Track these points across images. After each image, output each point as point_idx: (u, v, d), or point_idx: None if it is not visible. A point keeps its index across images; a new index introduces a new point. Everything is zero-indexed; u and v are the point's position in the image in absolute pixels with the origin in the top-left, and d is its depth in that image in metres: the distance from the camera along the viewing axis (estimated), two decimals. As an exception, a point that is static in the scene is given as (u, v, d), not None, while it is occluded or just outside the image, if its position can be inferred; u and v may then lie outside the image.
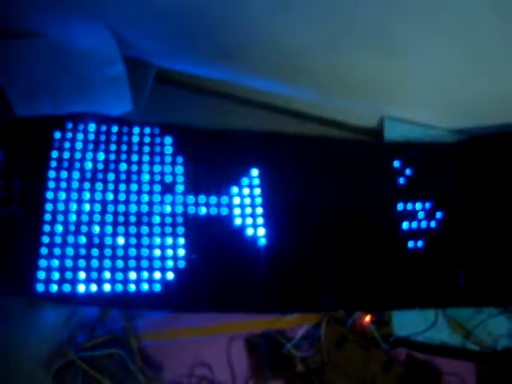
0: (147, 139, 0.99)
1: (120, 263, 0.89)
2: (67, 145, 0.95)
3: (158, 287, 0.89)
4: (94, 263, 0.88)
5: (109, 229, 0.91)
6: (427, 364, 0.98)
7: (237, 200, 0.97)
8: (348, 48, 0.94)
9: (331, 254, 0.96)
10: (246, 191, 0.98)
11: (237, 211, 0.96)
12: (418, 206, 1.02)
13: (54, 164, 0.93)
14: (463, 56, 0.91)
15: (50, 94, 0.99)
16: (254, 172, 1.00)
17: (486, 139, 1.07)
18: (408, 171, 1.04)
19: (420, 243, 0.99)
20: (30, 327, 0.91)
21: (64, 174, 0.93)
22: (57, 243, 0.88)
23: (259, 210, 0.97)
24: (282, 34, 0.93)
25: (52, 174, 0.93)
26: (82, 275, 0.87)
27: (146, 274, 0.89)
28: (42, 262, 0.87)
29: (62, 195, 0.92)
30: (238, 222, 0.96)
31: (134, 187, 0.95)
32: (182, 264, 0.91)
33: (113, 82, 1.01)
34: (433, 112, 1.10)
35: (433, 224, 1.01)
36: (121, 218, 0.92)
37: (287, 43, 0.95)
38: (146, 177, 0.96)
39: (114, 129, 0.98)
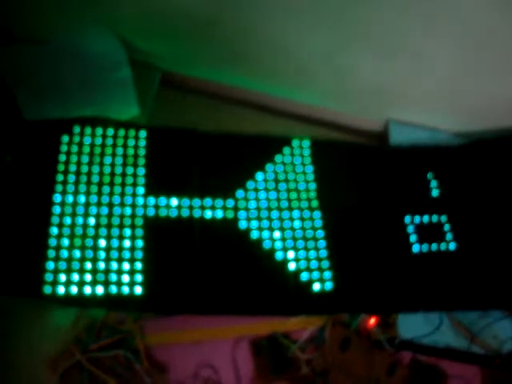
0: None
1: (127, 265, 0.90)
2: (75, 148, 0.96)
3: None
4: (101, 265, 0.89)
5: (115, 231, 0.92)
6: (432, 367, 0.98)
7: (243, 203, 0.97)
8: (352, 51, 0.94)
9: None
10: (252, 195, 0.98)
11: (242, 214, 0.96)
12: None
13: (61, 167, 0.94)
14: (469, 58, 0.91)
15: (58, 99, 1.01)
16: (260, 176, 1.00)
17: (492, 142, 1.07)
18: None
19: (425, 246, 0.99)
20: (36, 328, 0.92)
21: (71, 178, 0.94)
22: (64, 246, 0.89)
23: (264, 213, 0.97)
24: (290, 40, 0.93)
25: (59, 177, 0.94)
26: (89, 277, 0.88)
27: (152, 277, 0.90)
28: (49, 265, 0.87)
29: (69, 198, 0.92)
30: (242, 225, 0.96)
31: (140, 190, 0.95)
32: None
33: (119, 86, 1.02)
34: (438, 115, 1.10)
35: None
36: (127, 221, 0.93)
37: (293, 48, 0.95)
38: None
39: (121, 133, 0.99)
